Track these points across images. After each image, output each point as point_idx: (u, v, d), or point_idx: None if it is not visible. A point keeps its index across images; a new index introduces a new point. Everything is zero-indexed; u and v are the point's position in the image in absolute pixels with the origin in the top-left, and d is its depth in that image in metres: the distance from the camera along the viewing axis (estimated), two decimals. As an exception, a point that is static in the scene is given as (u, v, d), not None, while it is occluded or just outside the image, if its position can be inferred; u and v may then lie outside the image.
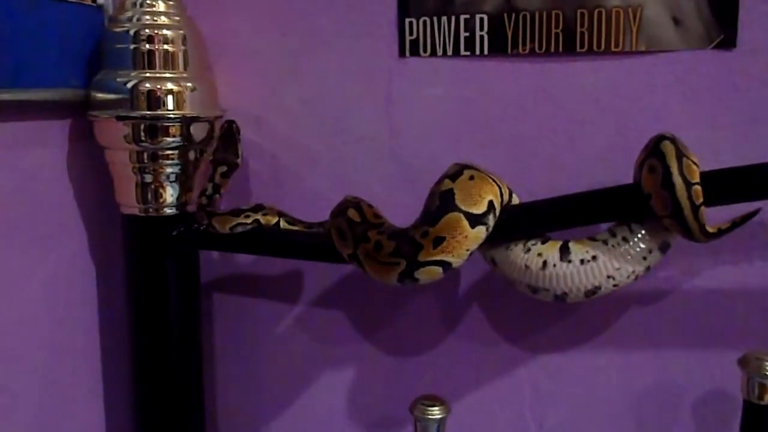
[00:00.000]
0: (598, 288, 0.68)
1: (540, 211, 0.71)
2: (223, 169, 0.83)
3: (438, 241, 0.65)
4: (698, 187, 0.61)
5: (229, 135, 0.84)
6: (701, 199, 0.61)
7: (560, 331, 0.86)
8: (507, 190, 0.71)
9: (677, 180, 0.61)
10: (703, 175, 0.62)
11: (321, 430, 0.96)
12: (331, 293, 0.93)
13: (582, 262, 0.68)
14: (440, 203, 0.65)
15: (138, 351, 0.88)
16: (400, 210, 0.75)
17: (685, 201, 0.60)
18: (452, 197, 0.65)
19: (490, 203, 0.66)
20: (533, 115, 0.82)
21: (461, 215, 0.65)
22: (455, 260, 0.66)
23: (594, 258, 0.68)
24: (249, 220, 0.81)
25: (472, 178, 0.66)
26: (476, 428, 0.90)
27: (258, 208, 0.82)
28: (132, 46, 0.80)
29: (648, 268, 0.68)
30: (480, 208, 0.65)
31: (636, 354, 0.84)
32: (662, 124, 0.77)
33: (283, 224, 0.82)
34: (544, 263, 0.68)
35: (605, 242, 0.68)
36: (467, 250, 0.66)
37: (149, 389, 0.88)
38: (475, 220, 0.65)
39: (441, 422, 0.73)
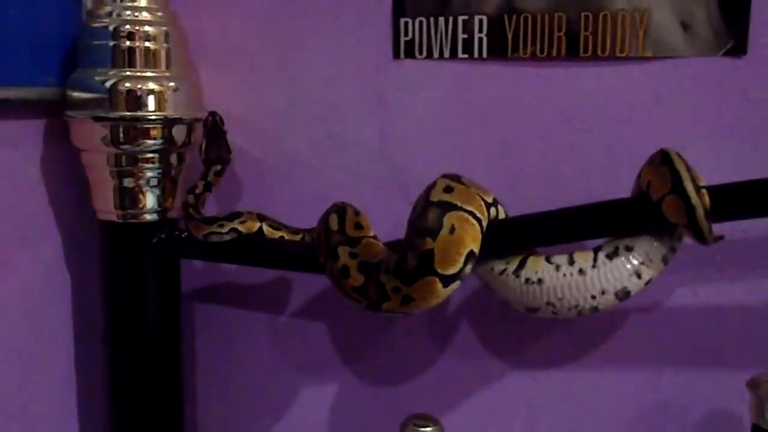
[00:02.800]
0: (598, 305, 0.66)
1: (538, 225, 0.68)
2: (217, 168, 0.79)
3: (407, 299, 0.63)
4: (705, 191, 0.60)
5: (215, 129, 0.80)
6: (709, 202, 0.59)
7: (556, 348, 0.83)
8: (500, 212, 0.68)
9: (688, 184, 0.59)
10: (709, 189, 0.60)
11: (306, 446, 0.93)
12: (318, 304, 0.90)
13: (609, 257, 0.66)
14: (418, 264, 0.61)
15: (115, 363, 0.84)
16: (391, 217, 0.73)
17: (698, 203, 0.59)
18: (431, 259, 0.60)
19: (469, 254, 0.62)
20: (532, 122, 0.79)
21: (437, 279, 0.61)
22: (420, 311, 0.65)
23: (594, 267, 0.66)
24: (224, 230, 0.77)
25: (452, 230, 0.60)
26: (469, 447, 0.87)
27: (234, 215, 0.78)
28: (111, 43, 0.77)
29: (648, 281, 0.66)
30: (457, 266, 0.61)
31: (635, 372, 0.81)
32: (668, 134, 0.75)
33: (266, 229, 0.79)
34: (581, 270, 0.66)
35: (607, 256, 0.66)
36: (435, 303, 0.64)
37: (126, 403, 0.85)
38: (450, 280, 0.62)
39: (434, 442, 0.70)
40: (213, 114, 0.80)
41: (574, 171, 0.78)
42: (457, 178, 0.64)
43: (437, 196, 0.62)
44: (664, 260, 0.66)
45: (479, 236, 0.63)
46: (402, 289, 0.62)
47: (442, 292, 0.62)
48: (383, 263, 0.65)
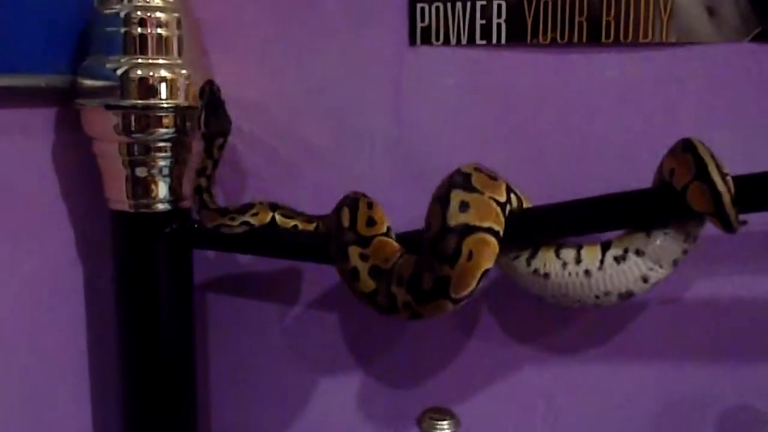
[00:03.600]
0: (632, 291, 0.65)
1: (560, 215, 0.67)
2: (220, 141, 0.77)
3: (416, 314, 0.64)
4: (729, 177, 0.58)
5: (213, 99, 0.76)
6: (733, 189, 0.58)
7: (575, 341, 0.81)
8: (516, 197, 0.66)
9: (713, 170, 0.58)
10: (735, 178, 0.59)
11: (320, 439, 0.92)
12: (332, 295, 0.88)
13: (617, 260, 0.65)
14: (433, 288, 0.61)
15: (127, 355, 0.83)
16: (408, 207, 0.71)
17: (724, 189, 0.57)
18: (447, 285, 0.60)
19: (484, 273, 0.61)
20: (553, 110, 0.77)
21: (449, 301, 0.62)
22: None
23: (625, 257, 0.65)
24: (236, 223, 0.75)
25: (470, 256, 0.59)
26: (486, 441, 0.86)
27: (246, 208, 0.76)
28: (123, 30, 0.75)
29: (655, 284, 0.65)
30: (470, 288, 0.61)
31: (656, 365, 0.80)
32: (693, 122, 0.73)
33: (279, 219, 0.77)
34: (587, 271, 0.66)
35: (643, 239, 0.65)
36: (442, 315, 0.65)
37: (138, 394, 0.84)
38: (461, 300, 0.62)
39: (450, 437, 0.70)
40: (210, 83, 0.76)
41: (595, 160, 0.76)
42: (468, 182, 0.61)
43: (455, 218, 0.60)
44: (675, 263, 0.64)
45: (496, 251, 0.62)
46: (412, 305, 0.63)
47: (451, 309, 0.63)
48: (395, 272, 0.64)
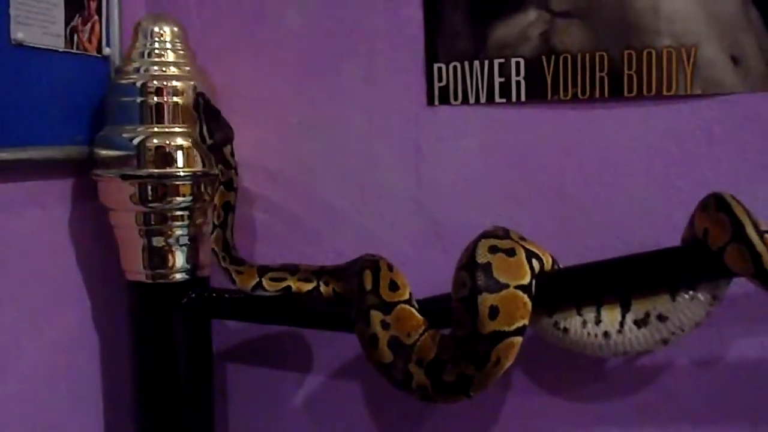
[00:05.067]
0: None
1: (589, 277, 0.66)
2: (229, 148, 0.76)
3: (428, 399, 0.64)
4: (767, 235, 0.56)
5: (209, 108, 0.75)
6: None
7: (607, 398, 0.77)
8: (549, 259, 0.65)
9: (751, 231, 0.56)
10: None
11: None
12: (353, 364, 0.86)
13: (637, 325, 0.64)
14: (455, 384, 0.61)
15: (146, 427, 0.81)
16: (429, 269, 0.71)
17: (764, 250, 0.55)
18: (469, 384, 0.61)
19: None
20: (577, 167, 0.75)
21: (465, 397, 0.62)
22: None
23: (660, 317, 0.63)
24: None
25: (498, 362, 0.59)
26: None
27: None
28: (139, 99, 0.76)
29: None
30: (489, 386, 0.62)
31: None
32: (722, 176, 0.71)
33: (266, 283, 0.74)
34: (606, 333, 0.64)
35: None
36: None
37: (158, 469, 0.82)
38: (475, 395, 0.62)
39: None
40: (201, 94, 0.75)
41: (624, 217, 0.74)
42: (491, 277, 0.59)
43: (485, 326, 0.58)
44: (697, 325, 0.63)
45: (519, 345, 0.60)
46: (428, 390, 0.62)
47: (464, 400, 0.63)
48: (416, 350, 0.63)
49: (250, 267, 0.75)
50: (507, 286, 0.59)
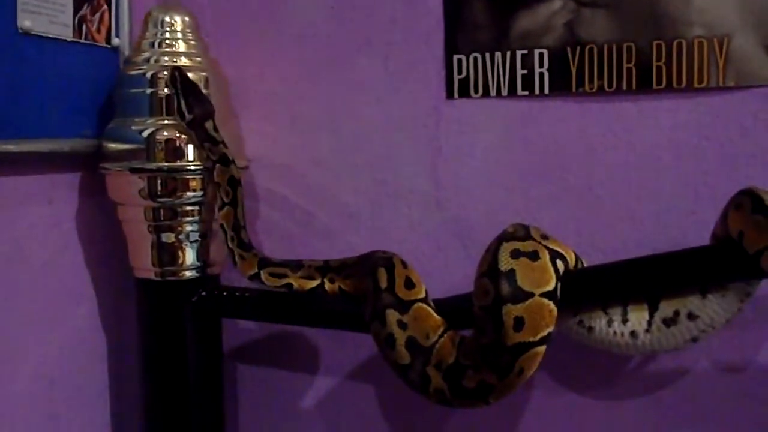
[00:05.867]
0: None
1: (616, 276, 0.63)
2: (211, 123, 0.72)
3: (446, 403, 0.62)
4: None
5: (187, 82, 0.72)
6: None
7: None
8: (572, 256, 0.62)
9: None
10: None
11: None
12: (366, 365, 0.84)
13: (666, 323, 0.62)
14: (475, 390, 0.59)
15: (155, 427, 0.80)
16: (449, 270, 0.69)
17: None
18: (490, 392, 0.59)
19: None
20: (603, 162, 0.73)
21: (484, 404, 0.60)
22: None
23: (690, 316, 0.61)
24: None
25: (521, 372, 0.57)
26: None
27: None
28: (149, 91, 0.74)
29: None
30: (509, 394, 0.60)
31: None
32: (756, 172, 0.68)
33: (264, 276, 0.72)
34: (633, 333, 0.62)
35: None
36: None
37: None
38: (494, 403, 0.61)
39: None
40: (176, 68, 0.72)
41: (652, 214, 0.72)
42: (515, 286, 0.56)
43: (510, 338, 0.56)
44: (728, 321, 0.61)
45: (542, 357, 0.58)
46: (446, 395, 0.60)
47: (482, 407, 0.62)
48: (435, 353, 0.61)
49: (253, 256, 0.72)
50: (532, 294, 0.56)
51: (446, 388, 0.60)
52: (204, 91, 0.74)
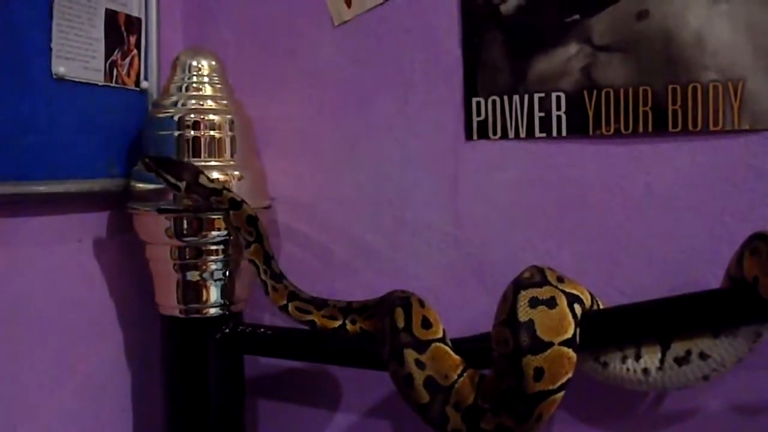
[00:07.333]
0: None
1: (634, 318, 0.63)
2: (203, 177, 0.72)
3: None
4: None
5: (160, 161, 0.72)
6: None
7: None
8: (588, 296, 0.62)
9: None
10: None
11: None
12: (387, 402, 0.84)
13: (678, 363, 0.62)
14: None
15: (178, 463, 0.80)
16: (468, 307, 0.70)
17: None
18: None
19: None
20: (620, 204, 0.73)
21: None
22: None
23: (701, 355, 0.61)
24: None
25: (539, 418, 0.57)
26: None
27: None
28: (176, 133, 0.76)
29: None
30: None
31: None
32: (772, 212, 0.68)
33: (291, 309, 0.73)
34: (645, 370, 0.63)
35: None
36: None
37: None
38: None
39: None
40: (144, 156, 0.73)
41: (669, 255, 0.72)
42: (535, 337, 0.56)
43: (530, 387, 0.56)
44: (740, 360, 0.61)
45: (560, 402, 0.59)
46: None
47: None
48: (454, 393, 0.62)
49: (284, 287, 0.74)
50: (551, 344, 0.57)
51: (464, 429, 0.60)
52: (229, 133, 0.76)
